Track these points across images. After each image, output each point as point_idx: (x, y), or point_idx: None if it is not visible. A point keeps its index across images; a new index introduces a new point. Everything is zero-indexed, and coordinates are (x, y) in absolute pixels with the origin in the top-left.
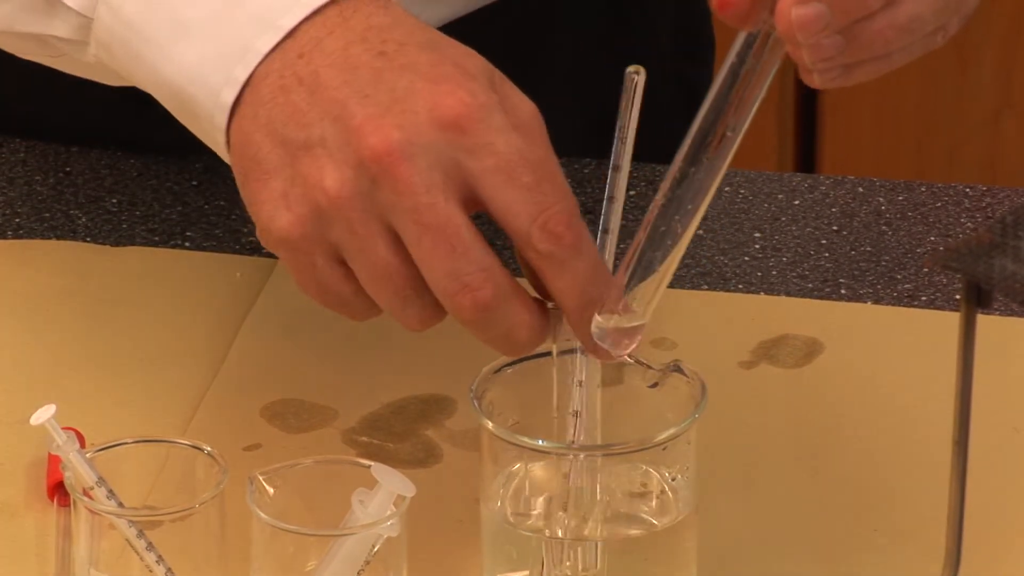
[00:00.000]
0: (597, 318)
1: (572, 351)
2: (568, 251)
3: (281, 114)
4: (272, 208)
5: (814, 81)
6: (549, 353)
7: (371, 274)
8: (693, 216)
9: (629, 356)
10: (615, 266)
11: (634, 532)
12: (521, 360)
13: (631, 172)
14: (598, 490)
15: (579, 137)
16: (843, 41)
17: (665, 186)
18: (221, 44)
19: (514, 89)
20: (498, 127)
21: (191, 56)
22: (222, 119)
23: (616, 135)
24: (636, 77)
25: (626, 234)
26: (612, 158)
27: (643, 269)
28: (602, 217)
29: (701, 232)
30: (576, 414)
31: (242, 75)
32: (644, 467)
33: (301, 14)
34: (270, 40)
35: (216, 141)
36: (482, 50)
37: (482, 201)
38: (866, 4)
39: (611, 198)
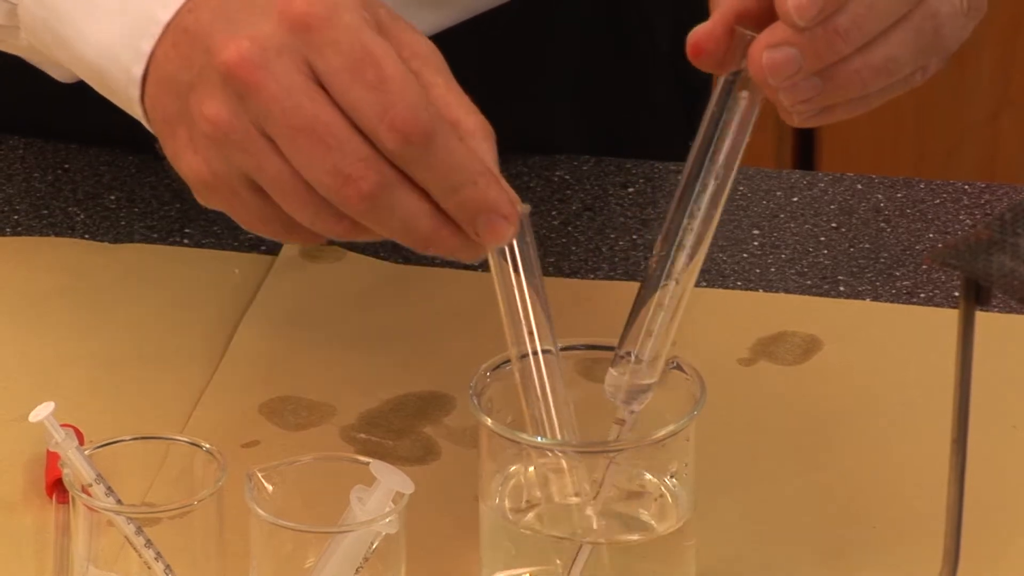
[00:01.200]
0: (612, 372)
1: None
2: (418, 149)
3: (173, 67)
4: (186, 157)
5: (793, 120)
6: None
7: (277, 190)
8: (690, 266)
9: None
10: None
11: (632, 530)
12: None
13: (629, 169)
14: (593, 486)
15: (578, 136)
16: (820, 83)
17: (660, 239)
18: (128, 20)
19: (408, 28)
20: (346, 25)
21: (104, 34)
22: (136, 92)
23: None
24: (742, 100)
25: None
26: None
27: (648, 324)
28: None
29: None
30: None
31: (147, 47)
32: (642, 464)
33: None
34: (171, 10)
35: (137, 114)
36: (482, 51)
37: (334, 101)
38: (836, 49)
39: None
